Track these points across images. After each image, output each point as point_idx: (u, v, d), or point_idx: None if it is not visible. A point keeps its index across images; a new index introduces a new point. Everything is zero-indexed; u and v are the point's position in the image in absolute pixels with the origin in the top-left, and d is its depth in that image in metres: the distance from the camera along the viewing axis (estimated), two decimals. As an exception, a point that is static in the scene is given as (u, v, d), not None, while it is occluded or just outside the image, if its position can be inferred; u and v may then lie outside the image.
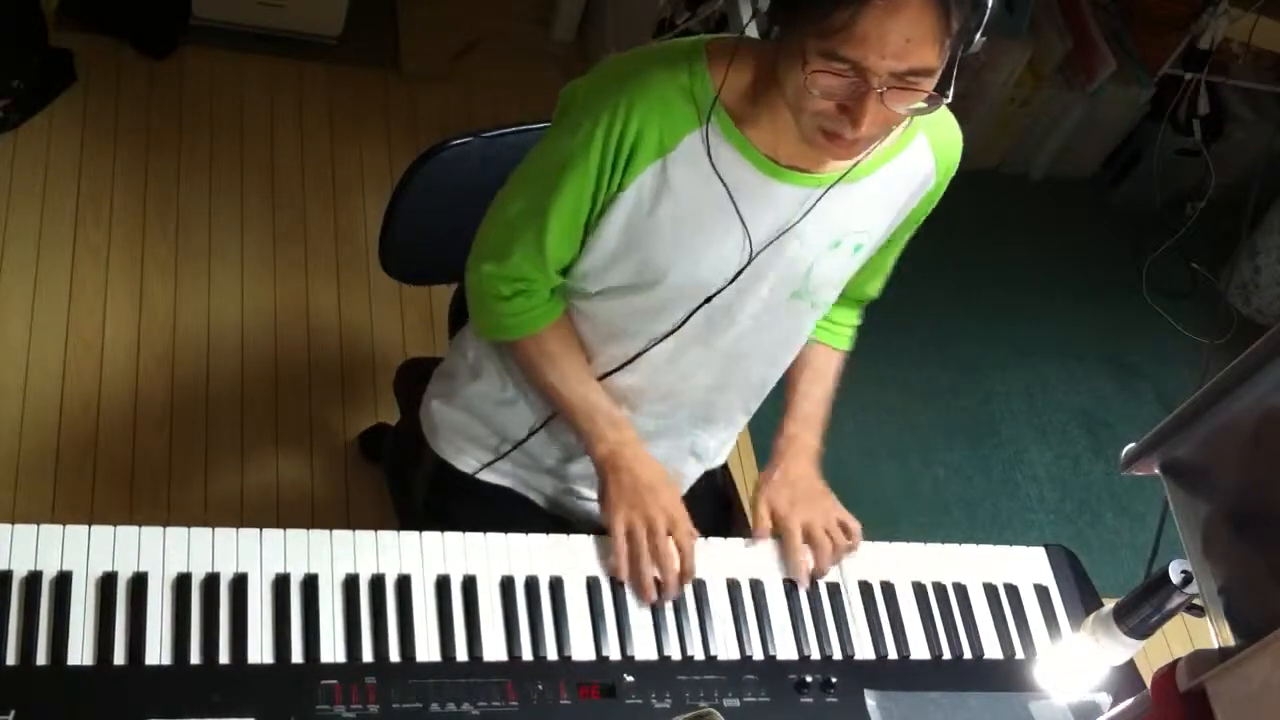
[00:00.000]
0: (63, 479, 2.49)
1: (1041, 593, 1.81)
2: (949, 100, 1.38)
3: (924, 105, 1.37)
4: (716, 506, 1.98)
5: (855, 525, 1.76)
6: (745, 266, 1.58)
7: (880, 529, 2.93)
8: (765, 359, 1.76)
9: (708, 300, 1.62)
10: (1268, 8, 3.48)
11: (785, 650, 1.65)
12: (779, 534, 1.73)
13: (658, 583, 1.62)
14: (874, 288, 1.83)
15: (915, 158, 1.60)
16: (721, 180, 1.51)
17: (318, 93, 3.27)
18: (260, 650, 1.47)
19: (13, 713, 1.35)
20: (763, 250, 1.57)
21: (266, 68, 3.27)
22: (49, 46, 3.00)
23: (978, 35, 1.37)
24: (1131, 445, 1.38)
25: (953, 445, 3.19)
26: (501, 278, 1.65)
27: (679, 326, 1.65)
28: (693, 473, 1.90)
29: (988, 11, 1.36)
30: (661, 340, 1.67)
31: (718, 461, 1.95)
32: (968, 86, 3.59)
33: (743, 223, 1.54)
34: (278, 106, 3.22)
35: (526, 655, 1.55)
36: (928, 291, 3.47)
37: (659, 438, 1.80)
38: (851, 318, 1.87)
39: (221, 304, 2.82)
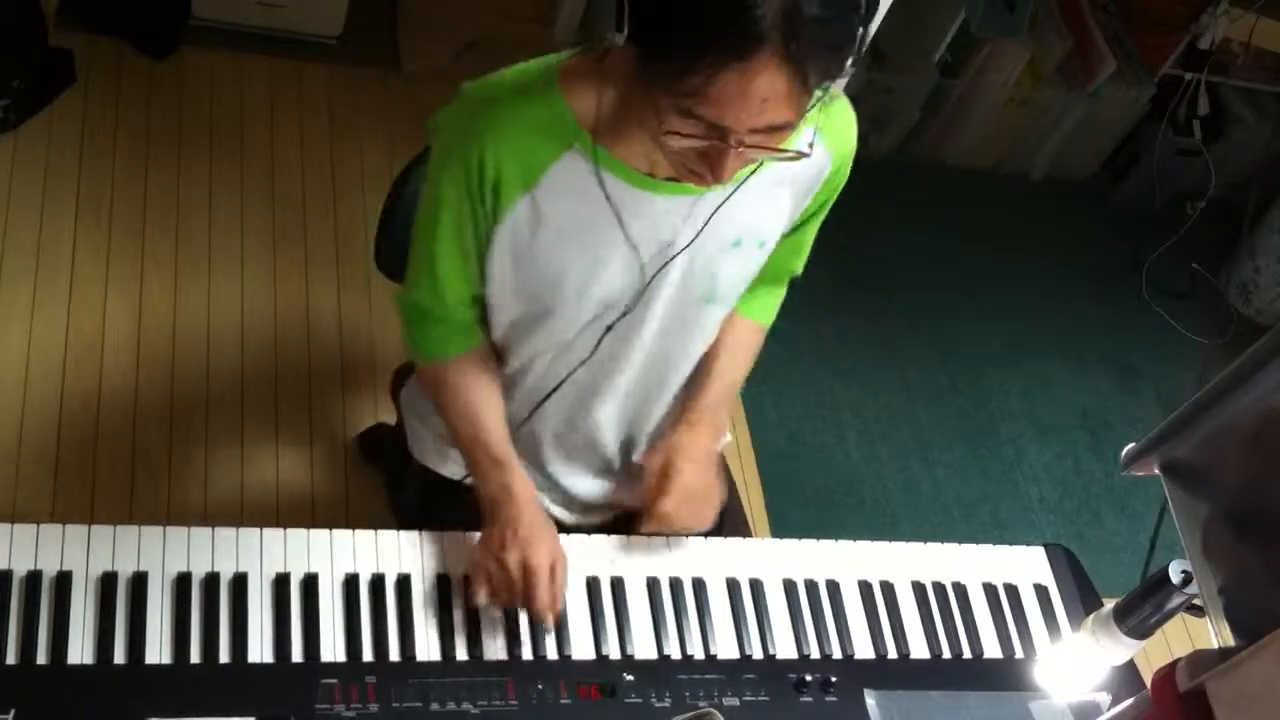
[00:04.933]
0: (63, 479, 2.49)
1: (1041, 593, 1.81)
2: (809, 155, 1.38)
3: (784, 155, 1.36)
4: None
5: (706, 521, 1.73)
6: (645, 286, 1.56)
7: (880, 529, 2.98)
8: (690, 360, 1.74)
9: (609, 329, 1.60)
10: (1268, 8, 3.48)
11: (785, 650, 1.65)
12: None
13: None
14: (796, 264, 1.78)
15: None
16: (605, 198, 1.49)
17: (318, 93, 3.27)
18: (260, 650, 1.47)
19: (13, 712, 1.35)
20: (659, 271, 1.55)
21: (266, 68, 3.27)
22: (49, 46, 3.00)
23: (842, 76, 1.33)
24: (1131, 445, 1.38)
25: (953, 445, 3.19)
26: (410, 304, 1.66)
27: (590, 354, 1.64)
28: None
29: (849, 60, 1.31)
30: (576, 370, 1.66)
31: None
32: (968, 86, 3.60)
33: (627, 239, 1.52)
34: (278, 106, 3.22)
35: (526, 655, 1.55)
36: (928, 291, 3.48)
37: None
38: (777, 292, 1.82)
39: (221, 304, 2.82)
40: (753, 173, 1.52)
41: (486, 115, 1.48)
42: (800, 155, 1.37)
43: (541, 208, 1.50)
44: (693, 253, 1.56)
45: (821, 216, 1.72)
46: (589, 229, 1.52)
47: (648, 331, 1.63)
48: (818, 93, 1.32)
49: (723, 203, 1.52)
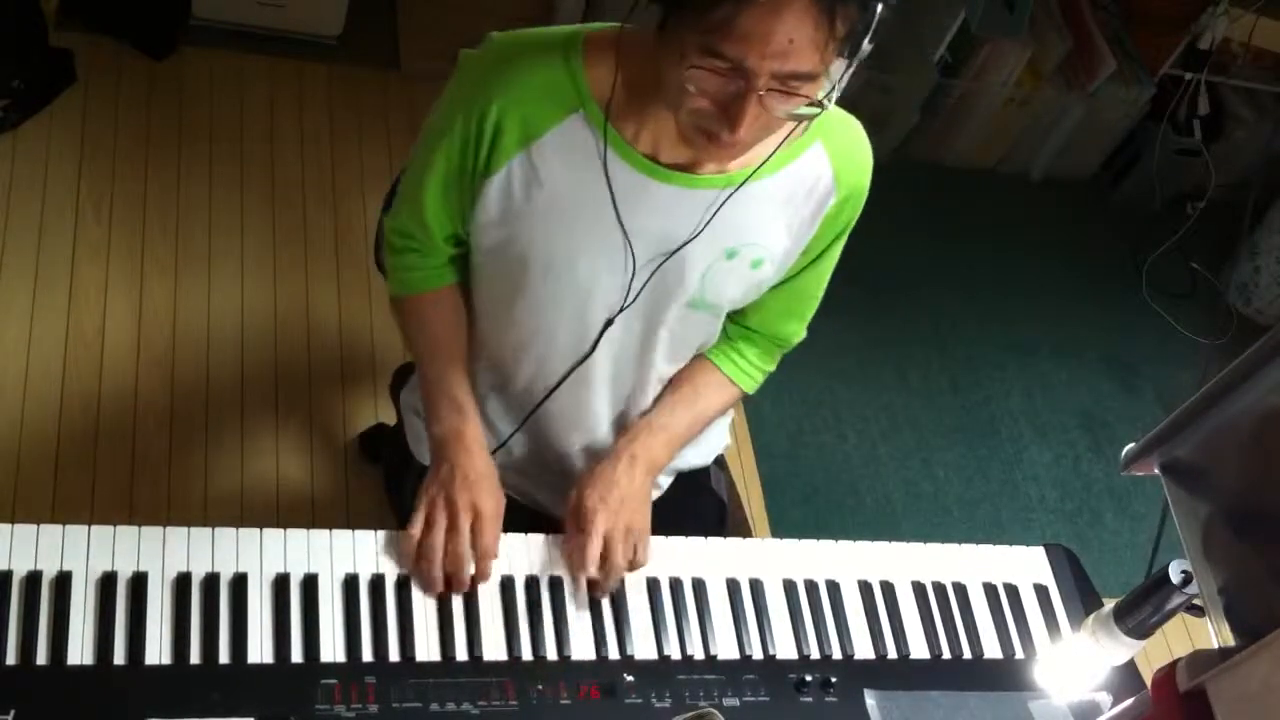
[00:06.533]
0: (63, 479, 2.49)
1: (1041, 593, 1.81)
2: (829, 108, 1.35)
3: (804, 110, 1.34)
4: (714, 506, 1.98)
5: (644, 558, 1.64)
6: (644, 277, 1.55)
7: (880, 529, 2.98)
8: (671, 358, 1.72)
9: (609, 322, 1.60)
10: (1268, 8, 3.48)
11: (785, 650, 1.65)
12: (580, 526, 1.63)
13: (448, 579, 1.55)
14: (794, 330, 1.75)
15: (810, 165, 1.54)
16: (605, 178, 1.48)
17: (318, 93, 3.27)
18: (260, 650, 1.47)
19: (13, 713, 1.35)
20: (663, 262, 1.54)
21: (266, 68, 3.27)
22: (49, 46, 3.00)
23: (865, 41, 1.31)
24: (1131, 445, 1.38)
25: (953, 445, 3.19)
26: (395, 230, 1.67)
27: (592, 350, 1.63)
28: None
29: (875, 18, 1.30)
30: (580, 366, 1.66)
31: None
32: (967, 86, 3.60)
33: (622, 229, 1.51)
34: (278, 106, 3.22)
35: (526, 655, 1.55)
36: (928, 291, 3.48)
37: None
38: (767, 362, 1.79)
39: (221, 304, 2.82)
40: (754, 173, 1.50)
41: (502, 71, 1.49)
42: (819, 107, 1.34)
43: (538, 169, 1.50)
44: (687, 254, 1.55)
45: (822, 270, 1.68)
46: (584, 208, 1.51)
47: (628, 324, 1.62)
48: (842, 61, 1.31)
49: (724, 200, 1.51)
